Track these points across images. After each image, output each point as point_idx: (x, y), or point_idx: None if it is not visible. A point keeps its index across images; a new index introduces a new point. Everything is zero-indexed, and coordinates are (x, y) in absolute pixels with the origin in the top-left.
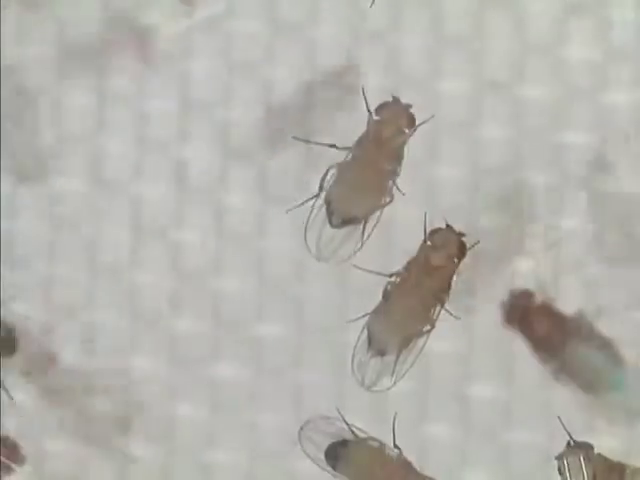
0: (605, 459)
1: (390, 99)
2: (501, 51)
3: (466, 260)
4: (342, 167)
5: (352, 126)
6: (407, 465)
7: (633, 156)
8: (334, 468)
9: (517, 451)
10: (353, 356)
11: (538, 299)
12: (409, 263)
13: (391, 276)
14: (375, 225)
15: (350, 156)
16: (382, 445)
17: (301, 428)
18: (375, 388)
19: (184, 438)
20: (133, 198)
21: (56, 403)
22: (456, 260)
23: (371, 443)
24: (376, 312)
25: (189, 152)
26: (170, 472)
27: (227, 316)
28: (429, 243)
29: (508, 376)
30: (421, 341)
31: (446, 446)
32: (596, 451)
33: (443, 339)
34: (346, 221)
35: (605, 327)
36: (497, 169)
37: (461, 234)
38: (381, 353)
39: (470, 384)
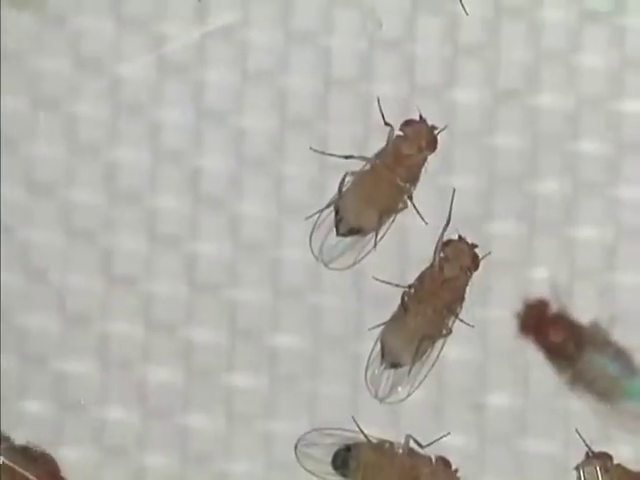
0: (624, 469)
1: (417, 116)
2: (516, 59)
3: (480, 269)
4: (357, 177)
5: (366, 135)
6: (415, 454)
7: None
8: (344, 475)
9: (533, 460)
10: (366, 368)
11: (553, 308)
12: (422, 275)
13: (409, 287)
14: (383, 236)
15: (367, 166)
16: (389, 443)
17: (295, 446)
18: (389, 400)
19: (199, 448)
20: (148, 208)
21: (71, 413)
22: (469, 272)
23: (377, 442)
24: (389, 324)
25: (204, 161)
26: None
27: (242, 326)
28: (442, 255)
29: (523, 385)
30: (435, 353)
31: (461, 455)
32: (615, 461)
33: (458, 348)
34: (353, 231)
35: (620, 335)
36: (511, 178)
37: (474, 245)
38: (395, 365)
39: (485, 393)
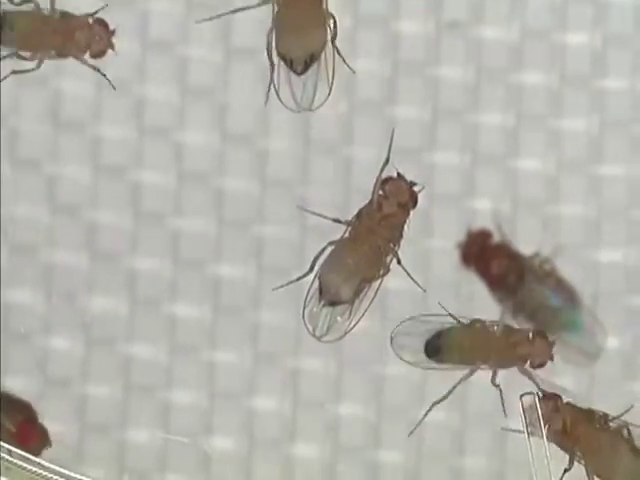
0: (573, 407)
1: None
2: None
3: (423, 200)
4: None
5: None
6: (510, 328)
7: (587, 92)
8: (440, 361)
9: (474, 390)
10: (304, 306)
11: (495, 239)
12: (360, 212)
13: (347, 224)
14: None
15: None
16: (479, 322)
17: (391, 339)
18: (326, 338)
19: (142, 378)
20: (93, 138)
21: (14, 343)
22: (407, 209)
23: (472, 324)
24: (327, 262)
25: (148, 91)
26: (128, 412)
27: (186, 256)
28: (380, 192)
29: (466, 316)
30: (372, 291)
31: (404, 385)
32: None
33: (400, 279)
34: (307, 64)
35: (562, 267)
36: (454, 109)
37: (412, 183)
38: (333, 303)
39: None
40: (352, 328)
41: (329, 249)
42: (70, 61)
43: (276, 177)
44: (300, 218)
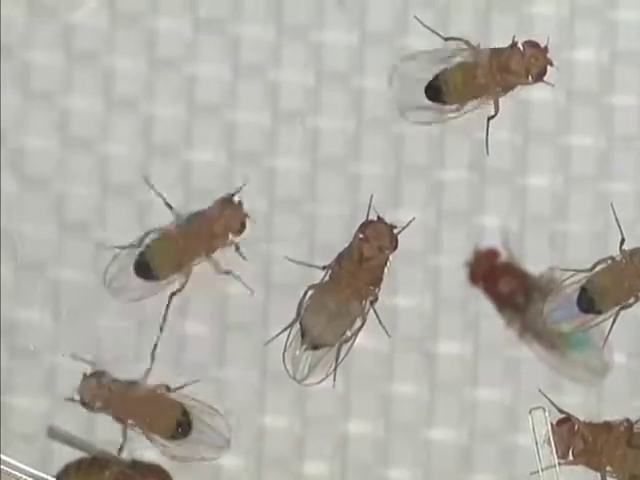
0: (588, 424)
1: None
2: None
3: (432, 218)
4: None
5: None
6: None
7: (594, 108)
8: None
9: (482, 408)
10: (284, 350)
11: (503, 258)
12: (340, 255)
13: (324, 268)
14: None
15: None
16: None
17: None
18: (306, 382)
19: None
20: (101, 156)
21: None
22: (387, 252)
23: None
24: (310, 306)
25: (156, 109)
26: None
27: (195, 273)
28: (361, 236)
29: (474, 334)
30: (353, 334)
31: (412, 403)
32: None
33: (409, 297)
34: None
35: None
36: (462, 126)
37: (392, 226)
38: (315, 347)
39: (436, 342)
40: (333, 370)
41: (310, 293)
42: (77, 76)
43: (284, 195)
44: (308, 235)
